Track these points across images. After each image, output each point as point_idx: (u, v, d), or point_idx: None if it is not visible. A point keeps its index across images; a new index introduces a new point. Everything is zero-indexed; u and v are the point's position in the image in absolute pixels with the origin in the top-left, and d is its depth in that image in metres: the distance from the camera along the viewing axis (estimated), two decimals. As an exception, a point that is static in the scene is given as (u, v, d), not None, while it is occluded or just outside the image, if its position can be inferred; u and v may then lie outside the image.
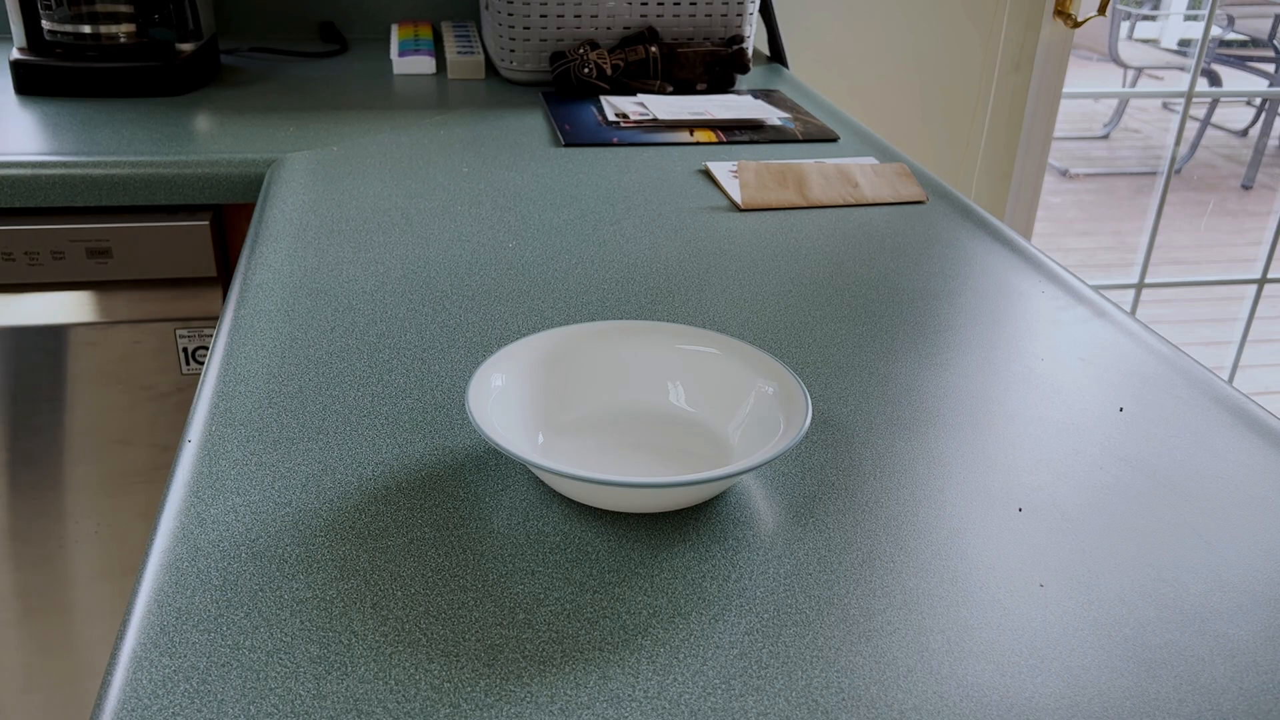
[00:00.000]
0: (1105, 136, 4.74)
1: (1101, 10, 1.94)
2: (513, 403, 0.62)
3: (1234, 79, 4.35)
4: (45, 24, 1.34)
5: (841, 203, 1.07)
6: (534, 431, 0.63)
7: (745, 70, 1.46)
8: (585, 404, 0.65)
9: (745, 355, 0.66)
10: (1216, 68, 4.23)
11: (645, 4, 1.42)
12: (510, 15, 1.41)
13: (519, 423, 0.62)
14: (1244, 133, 4.68)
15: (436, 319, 0.80)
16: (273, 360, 0.71)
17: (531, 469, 0.57)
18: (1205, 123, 4.39)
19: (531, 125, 1.29)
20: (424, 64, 1.50)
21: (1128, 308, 2.10)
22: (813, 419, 0.59)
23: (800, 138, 1.27)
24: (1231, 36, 4.34)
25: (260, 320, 0.79)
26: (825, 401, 0.71)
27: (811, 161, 1.16)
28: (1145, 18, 4.71)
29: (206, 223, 1.15)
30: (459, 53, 1.50)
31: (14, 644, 1.36)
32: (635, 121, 1.29)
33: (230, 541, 0.55)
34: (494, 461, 0.63)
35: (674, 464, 0.63)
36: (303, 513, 0.58)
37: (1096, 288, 0.89)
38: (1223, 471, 0.65)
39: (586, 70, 1.39)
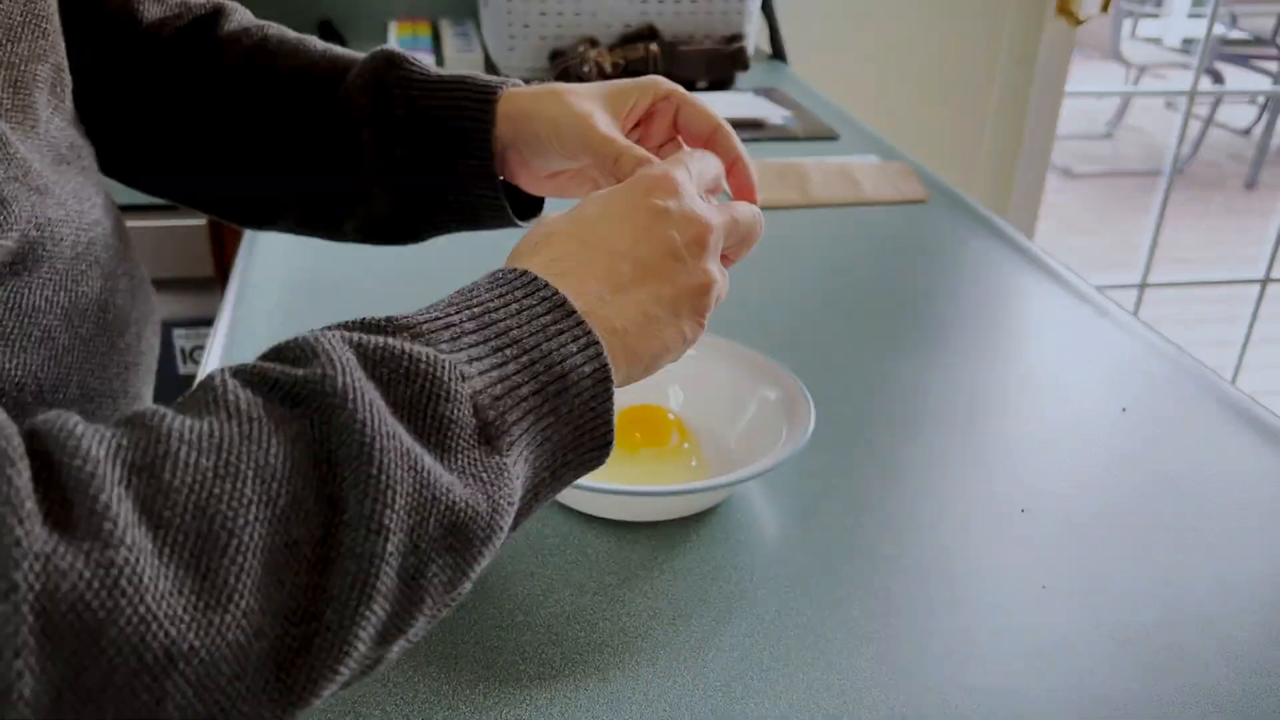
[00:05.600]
0: (1108, 135, 4.73)
1: (1104, 9, 1.93)
2: None
3: (1237, 77, 4.34)
4: (45, 22, 1.33)
5: (843, 202, 1.07)
6: None
7: (746, 68, 1.45)
8: None
9: (748, 360, 0.65)
10: (1220, 66, 4.22)
11: (645, 1, 1.42)
12: (510, 13, 1.40)
13: None
14: (1247, 131, 4.66)
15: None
16: (271, 360, 0.71)
17: None
18: (1208, 121, 4.38)
19: (532, 124, 1.29)
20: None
21: (1131, 307, 2.09)
22: (816, 422, 0.59)
23: (801, 136, 1.26)
24: (1235, 35, 4.33)
25: (258, 320, 0.79)
26: (826, 402, 0.70)
27: (813, 160, 1.15)
28: (1148, 16, 4.70)
29: (204, 223, 1.15)
30: (458, 51, 1.49)
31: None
32: (636, 120, 1.28)
33: (227, 542, 0.55)
34: (493, 462, 0.62)
35: (673, 470, 0.62)
36: (300, 513, 0.57)
37: (1099, 287, 0.89)
38: (1226, 472, 0.65)
39: (586, 68, 1.39)
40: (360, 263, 0.89)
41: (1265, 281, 2.41)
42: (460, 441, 0.35)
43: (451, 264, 0.89)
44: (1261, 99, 4.64)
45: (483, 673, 0.48)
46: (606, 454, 0.41)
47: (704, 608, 0.52)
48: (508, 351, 0.38)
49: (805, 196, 1.07)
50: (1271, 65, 4.31)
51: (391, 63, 0.58)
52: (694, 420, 0.65)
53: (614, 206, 0.47)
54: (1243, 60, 4.37)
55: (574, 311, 0.41)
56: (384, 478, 0.32)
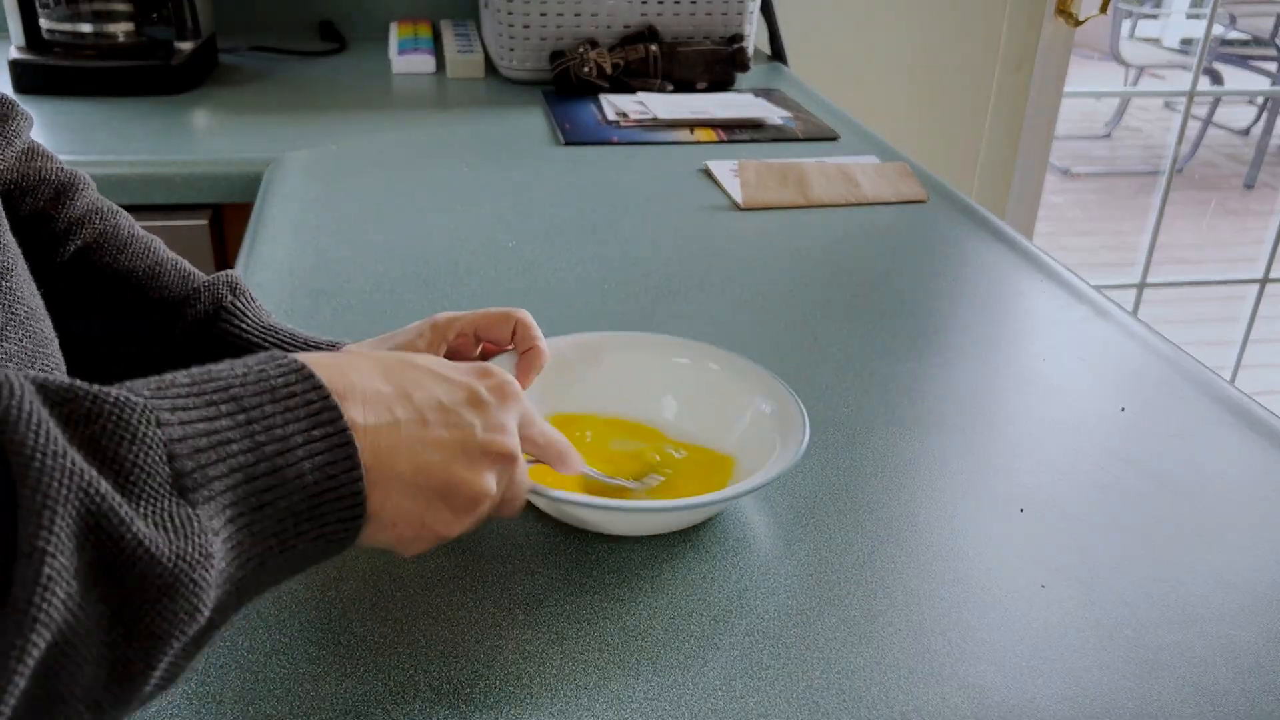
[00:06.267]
0: (1107, 136, 4.73)
1: (1103, 9, 1.93)
2: None
3: (1236, 78, 4.34)
4: (44, 23, 1.34)
5: (842, 202, 1.07)
6: None
7: (745, 69, 1.45)
8: (571, 413, 0.64)
9: (743, 371, 0.64)
10: (1218, 66, 4.21)
11: (645, 2, 1.42)
12: (510, 14, 1.41)
13: None
14: (1246, 132, 4.66)
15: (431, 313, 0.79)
16: (272, 360, 0.71)
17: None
18: (1207, 122, 4.38)
19: (531, 124, 1.29)
20: (423, 63, 1.50)
21: (1129, 307, 2.09)
22: (810, 438, 0.58)
23: (801, 136, 1.26)
24: (1233, 35, 4.33)
25: (259, 320, 0.79)
26: (825, 402, 0.71)
27: (812, 160, 1.15)
28: (1147, 16, 4.70)
29: (205, 222, 1.15)
30: (458, 51, 1.49)
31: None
32: (635, 120, 1.29)
33: (228, 542, 0.55)
34: (493, 462, 0.62)
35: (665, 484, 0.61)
36: (301, 513, 0.57)
37: (1098, 287, 0.89)
38: (1224, 471, 0.65)
39: (586, 69, 1.39)
40: (362, 264, 0.89)
41: (1264, 281, 2.42)
42: (147, 487, 0.32)
43: (452, 265, 0.90)
44: (1260, 99, 4.64)
45: (483, 672, 0.48)
46: (357, 525, 0.39)
47: (704, 607, 0.52)
48: (222, 407, 0.35)
49: (805, 197, 1.07)
50: (1270, 66, 4.31)
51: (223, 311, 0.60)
52: (687, 431, 0.64)
53: (441, 367, 0.45)
54: (1241, 61, 4.37)
55: (313, 375, 0.38)
56: (40, 497, 0.29)
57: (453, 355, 0.62)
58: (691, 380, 0.65)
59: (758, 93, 1.43)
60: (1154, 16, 4.73)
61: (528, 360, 0.60)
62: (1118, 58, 4.29)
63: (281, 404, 0.37)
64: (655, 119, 1.28)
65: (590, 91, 1.40)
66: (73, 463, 0.30)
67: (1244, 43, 4.39)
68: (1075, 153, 4.50)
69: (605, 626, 0.51)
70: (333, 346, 0.61)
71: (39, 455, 0.29)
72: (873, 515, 0.60)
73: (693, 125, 1.28)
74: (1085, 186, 4.30)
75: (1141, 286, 2.36)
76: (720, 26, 1.46)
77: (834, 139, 1.26)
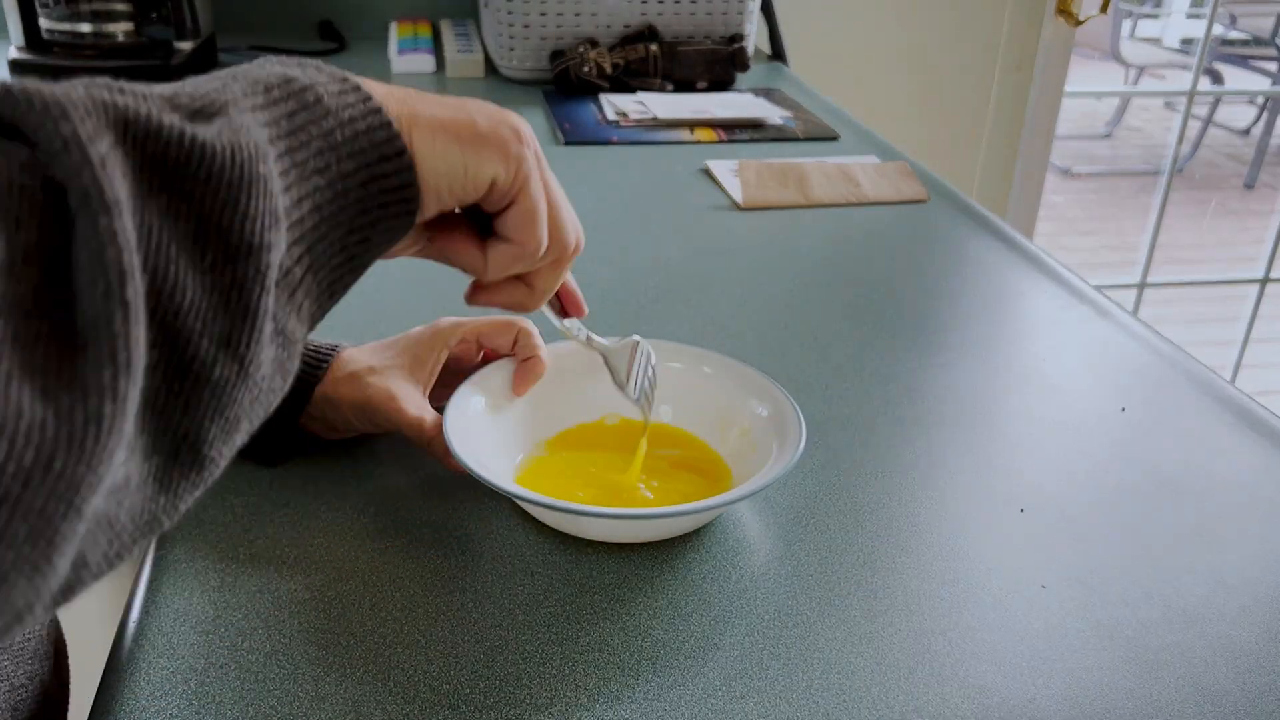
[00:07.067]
0: (1107, 135, 4.74)
1: (1103, 9, 1.93)
2: (495, 421, 0.60)
3: (1236, 78, 4.34)
4: (43, 23, 1.33)
5: (843, 202, 1.07)
6: (515, 453, 0.61)
7: (745, 68, 1.45)
8: (570, 424, 0.64)
9: (739, 375, 0.64)
10: (1219, 66, 4.22)
11: (645, 2, 1.42)
12: (510, 13, 1.40)
13: (500, 442, 0.60)
14: (1246, 131, 4.67)
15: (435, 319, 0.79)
16: (271, 360, 0.71)
17: (503, 493, 0.55)
18: (1207, 121, 4.38)
19: (531, 124, 1.29)
20: (423, 62, 1.50)
21: (1130, 307, 2.09)
22: (807, 439, 0.57)
23: (801, 136, 1.26)
24: (1234, 35, 4.33)
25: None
26: (825, 402, 0.71)
27: (813, 160, 1.15)
28: (1147, 16, 4.70)
29: (206, 222, 1.15)
30: (458, 51, 1.49)
31: (14, 644, 1.35)
32: (635, 120, 1.29)
33: (228, 542, 0.55)
34: (493, 462, 0.62)
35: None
36: (301, 514, 0.57)
37: (1098, 287, 0.89)
38: (1225, 472, 0.65)
39: (586, 68, 1.39)
40: (360, 263, 0.89)
41: (1264, 281, 2.42)
42: (167, 115, 0.31)
43: (450, 269, 0.89)
44: (1260, 99, 4.64)
45: (483, 672, 0.48)
46: (406, 164, 0.39)
47: (704, 607, 0.52)
48: (225, 71, 0.36)
49: (805, 197, 1.07)
50: (1270, 65, 4.31)
51: None
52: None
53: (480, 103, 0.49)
54: (1242, 60, 4.37)
55: (330, 67, 0.39)
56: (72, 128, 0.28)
57: (454, 360, 0.63)
58: (686, 385, 0.64)
59: (758, 92, 1.43)
60: (1154, 16, 4.73)
61: (526, 369, 0.62)
62: (1118, 57, 4.29)
63: (294, 59, 0.38)
64: (655, 119, 1.28)
65: (590, 91, 1.40)
66: (94, 93, 0.30)
67: (1244, 42, 4.39)
68: (1076, 152, 4.51)
69: (605, 627, 0.51)
70: (331, 349, 0.61)
71: (62, 103, 0.28)
72: (873, 515, 0.59)
73: (693, 125, 1.28)
74: (1086, 186, 4.30)
75: (1142, 286, 2.36)
76: (720, 26, 1.45)
77: (834, 139, 1.26)
